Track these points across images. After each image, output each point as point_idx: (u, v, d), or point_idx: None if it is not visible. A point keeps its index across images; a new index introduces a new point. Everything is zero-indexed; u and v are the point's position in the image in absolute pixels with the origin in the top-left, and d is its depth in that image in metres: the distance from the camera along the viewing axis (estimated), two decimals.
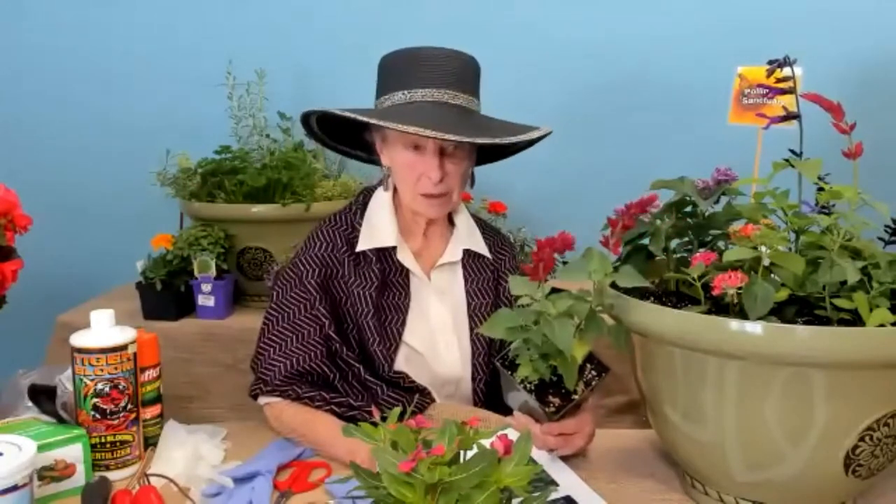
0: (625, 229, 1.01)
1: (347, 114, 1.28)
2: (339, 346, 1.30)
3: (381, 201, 1.40)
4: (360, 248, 1.36)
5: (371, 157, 1.51)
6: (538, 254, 0.96)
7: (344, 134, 1.46)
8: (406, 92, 1.30)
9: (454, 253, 1.42)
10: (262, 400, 1.31)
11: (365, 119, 1.26)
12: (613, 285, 0.97)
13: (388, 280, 1.37)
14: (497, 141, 1.27)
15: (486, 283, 1.43)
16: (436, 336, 1.37)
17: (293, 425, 1.26)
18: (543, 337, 0.94)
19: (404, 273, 1.38)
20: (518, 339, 1.00)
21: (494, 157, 1.48)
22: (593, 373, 1.05)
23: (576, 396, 1.03)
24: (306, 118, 1.40)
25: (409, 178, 1.33)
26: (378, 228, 1.38)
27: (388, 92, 1.33)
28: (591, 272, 0.95)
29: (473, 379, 1.38)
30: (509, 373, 1.04)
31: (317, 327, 1.31)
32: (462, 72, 1.33)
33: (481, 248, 1.45)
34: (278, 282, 1.38)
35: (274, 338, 1.32)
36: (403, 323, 1.35)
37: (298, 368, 1.28)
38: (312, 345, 1.30)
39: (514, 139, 1.28)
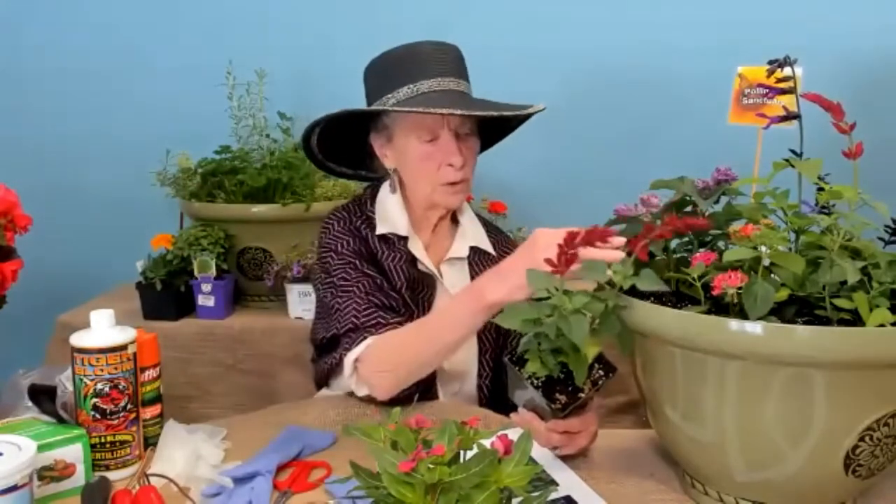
0: (660, 237, 0.94)
1: (374, 107, 1.31)
2: (397, 298, 1.33)
3: (390, 197, 1.41)
4: (379, 231, 1.38)
5: (357, 173, 1.52)
6: (564, 246, 0.94)
7: (342, 148, 1.46)
8: (411, 85, 1.31)
9: (461, 249, 1.43)
10: (351, 356, 1.27)
11: (390, 109, 1.28)
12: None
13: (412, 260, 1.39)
14: (518, 112, 1.31)
15: None
16: None
17: (406, 346, 1.22)
18: (557, 331, 0.94)
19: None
20: (528, 335, 1.00)
21: (486, 144, 1.48)
22: (601, 372, 1.05)
23: (582, 395, 1.03)
24: (308, 134, 1.40)
25: (429, 170, 1.34)
26: (391, 218, 1.39)
27: (390, 90, 1.33)
28: (613, 272, 0.94)
29: (479, 376, 1.39)
30: (517, 368, 1.04)
31: (372, 279, 1.32)
32: (457, 60, 1.37)
33: (487, 245, 1.46)
34: (317, 270, 1.39)
35: (339, 294, 1.31)
36: (433, 298, 1.37)
37: (372, 301, 1.28)
38: (376, 290, 1.31)
39: (530, 109, 1.32)
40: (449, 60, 1.35)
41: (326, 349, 1.36)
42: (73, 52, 2.31)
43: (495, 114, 1.28)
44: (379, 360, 1.24)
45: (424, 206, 1.39)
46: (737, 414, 0.89)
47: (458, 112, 1.23)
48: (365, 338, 1.25)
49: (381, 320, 1.26)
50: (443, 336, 1.17)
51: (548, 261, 0.93)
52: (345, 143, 1.44)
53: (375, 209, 1.40)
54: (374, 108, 1.32)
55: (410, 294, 1.34)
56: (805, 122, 1.03)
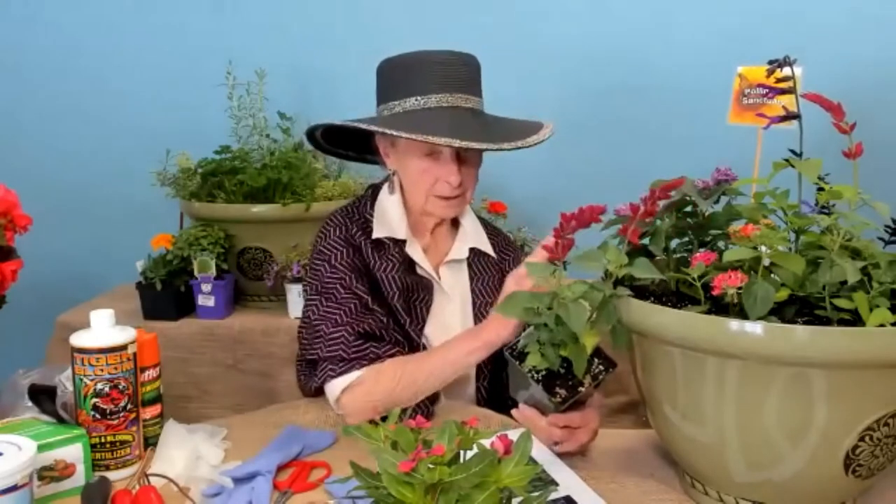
0: (647, 216, 0.97)
1: (372, 127, 1.28)
2: (386, 319, 1.31)
3: (389, 198, 1.40)
4: (376, 235, 1.36)
5: (362, 156, 1.51)
6: (560, 230, 0.95)
7: (346, 138, 1.46)
8: (419, 98, 1.29)
9: (461, 251, 1.43)
10: (339, 383, 1.26)
11: (390, 132, 1.24)
12: (618, 282, 0.97)
13: (409, 264, 1.38)
14: (519, 144, 1.27)
15: (492, 282, 1.43)
16: (445, 332, 1.37)
17: (403, 377, 1.23)
18: (557, 320, 0.94)
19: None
20: (529, 329, 1.00)
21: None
22: (601, 367, 1.05)
23: (582, 389, 1.04)
24: (313, 128, 1.39)
25: (425, 183, 1.33)
26: (389, 220, 1.38)
27: (397, 97, 1.32)
28: (607, 262, 0.94)
29: (477, 377, 1.39)
30: (517, 363, 1.04)
31: (360, 302, 1.30)
32: (470, 74, 1.34)
33: (487, 247, 1.45)
34: (308, 277, 1.38)
35: (324, 317, 1.30)
36: (430, 302, 1.36)
37: (361, 330, 1.27)
38: (363, 314, 1.29)
39: (532, 140, 1.28)
40: (462, 73, 1.32)
41: (310, 365, 1.36)
42: (73, 53, 2.31)
43: (494, 147, 1.24)
44: (371, 391, 1.24)
45: (419, 212, 1.39)
46: (736, 414, 0.89)
47: (456, 144, 1.20)
48: (355, 368, 1.25)
49: (372, 354, 1.25)
50: (444, 371, 1.25)
51: (545, 247, 0.99)
52: (350, 134, 1.43)
53: (375, 211, 1.40)
54: (372, 128, 1.28)
55: (403, 303, 1.33)
56: (805, 122, 1.03)
